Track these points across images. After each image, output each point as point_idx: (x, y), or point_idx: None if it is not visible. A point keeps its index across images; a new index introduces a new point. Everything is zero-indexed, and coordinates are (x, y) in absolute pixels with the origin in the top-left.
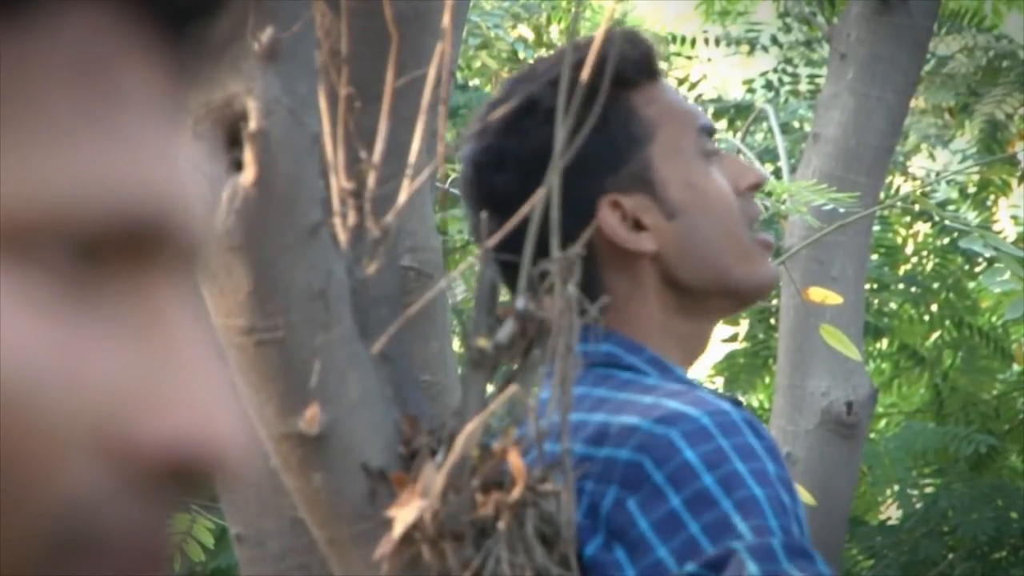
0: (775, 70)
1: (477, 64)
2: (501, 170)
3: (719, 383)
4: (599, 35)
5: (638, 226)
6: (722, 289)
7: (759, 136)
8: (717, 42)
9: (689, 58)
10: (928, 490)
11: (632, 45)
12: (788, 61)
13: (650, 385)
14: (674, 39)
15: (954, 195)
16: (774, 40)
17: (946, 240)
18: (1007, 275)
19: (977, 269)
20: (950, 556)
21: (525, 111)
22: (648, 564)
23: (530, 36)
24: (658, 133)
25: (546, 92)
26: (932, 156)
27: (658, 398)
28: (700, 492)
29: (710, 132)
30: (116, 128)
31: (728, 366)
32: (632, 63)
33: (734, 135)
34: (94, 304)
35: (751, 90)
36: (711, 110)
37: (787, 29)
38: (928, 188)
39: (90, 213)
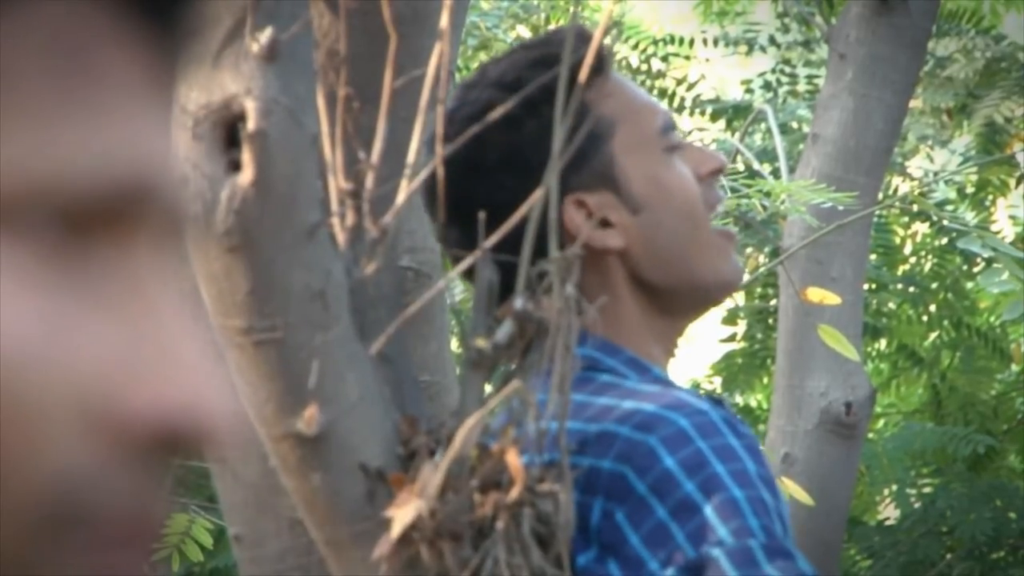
0: (773, 71)
1: (476, 65)
2: (468, 179)
3: (717, 383)
4: (567, 32)
5: (604, 223)
6: (688, 287)
7: (757, 137)
8: (715, 42)
9: (687, 58)
10: (926, 490)
11: (580, 42)
12: (786, 62)
13: (628, 388)
14: (672, 40)
15: (952, 195)
16: (772, 40)
17: (944, 240)
18: (1005, 275)
19: (975, 269)
20: (948, 556)
21: (478, 119)
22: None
23: (529, 37)
24: (618, 129)
25: (501, 98)
26: (930, 157)
27: (637, 402)
28: (683, 500)
29: (671, 126)
30: (94, 103)
31: (726, 366)
32: (581, 60)
33: (732, 136)
34: (80, 276)
35: (749, 91)
36: (709, 111)
37: (785, 29)
38: (926, 188)
39: (72, 185)
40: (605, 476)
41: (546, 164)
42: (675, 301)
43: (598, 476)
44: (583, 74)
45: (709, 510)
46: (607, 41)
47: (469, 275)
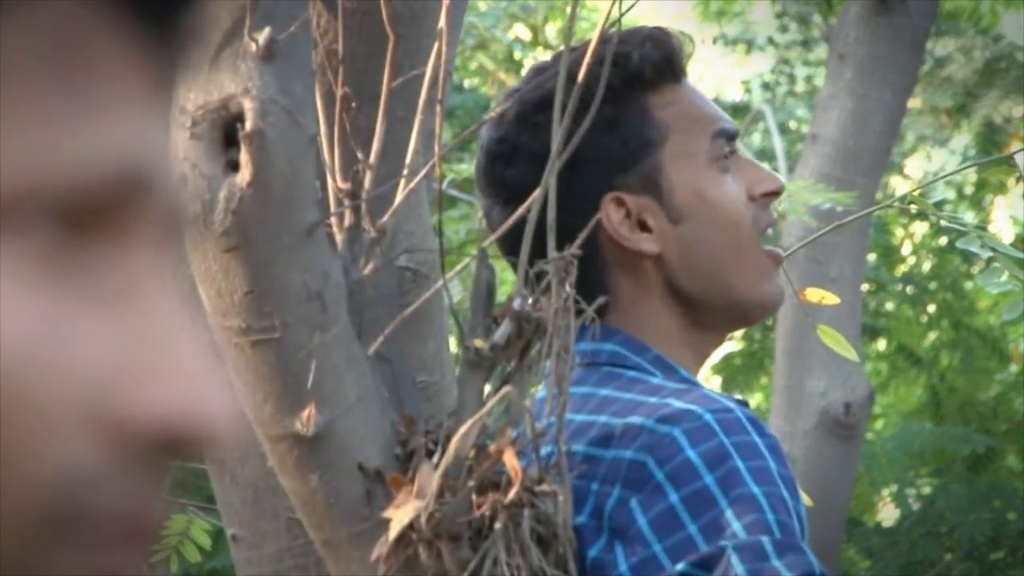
0: (772, 71)
1: (474, 65)
2: (512, 163)
3: (717, 384)
4: (600, 35)
5: (643, 227)
6: (725, 302)
7: (756, 137)
8: (714, 42)
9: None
10: (925, 491)
11: (655, 45)
12: (785, 62)
13: (655, 384)
14: None
15: (951, 196)
16: (771, 41)
17: (944, 241)
18: (1005, 276)
19: (975, 270)
20: (947, 557)
21: (541, 105)
22: (642, 559)
23: (527, 36)
24: (671, 137)
25: (565, 88)
26: (929, 157)
27: (663, 397)
28: (700, 491)
29: (730, 136)
30: (91, 103)
31: (726, 366)
32: (652, 64)
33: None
34: (78, 276)
35: (748, 91)
36: None
37: (784, 29)
38: (926, 188)
39: (69, 184)
40: (626, 466)
41: (594, 159)
42: (709, 314)
43: (619, 466)
44: (597, 80)
45: (726, 504)
46: (687, 46)
47: (507, 249)
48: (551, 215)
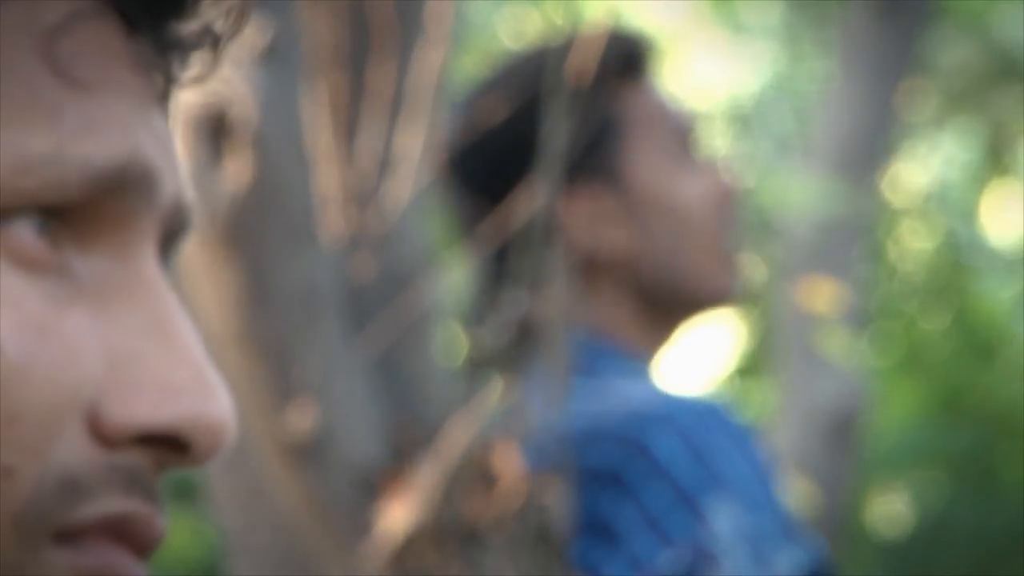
0: (774, 70)
1: (468, 64)
2: (489, 157)
3: (719, 384)
4: (585, 31)
5: (603, 224)
6: (682, 293)
7: (756, 137)
8: (714, 40)
9: (683, 57)
10: (927, 491)
11: (618, 43)
12: (787, 61)
13: (619, 388)
14: (668, 38)
15: (952, 195)
16: (772, 39)
17: (946, 241)
18: (1008, 276)
19: (978, 271)
20: (949, 558)
21: (513, 99)
22: (622, 565)
23: (525, 34)
24: (633, 134)
25: (534, 82)
26: (930, 158)
27: (629, 401)
28: (676, 494)
29: (692, 136)
30: (84, 103)
31: (728, 367)
32: (615, 62)
33: (730, 137)
34: (75, 275)
35: (749, 91)
36: (707, 111)
37: (786, 28)
38: (927, 189)
39: (64, 182)
40: (596, 473)
41: (567, 152)
42: (668, 305)
43: (590, 473)
44: (577, 73)
45: (703, 504)
46: (648, 45)
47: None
48: (554, 220)
